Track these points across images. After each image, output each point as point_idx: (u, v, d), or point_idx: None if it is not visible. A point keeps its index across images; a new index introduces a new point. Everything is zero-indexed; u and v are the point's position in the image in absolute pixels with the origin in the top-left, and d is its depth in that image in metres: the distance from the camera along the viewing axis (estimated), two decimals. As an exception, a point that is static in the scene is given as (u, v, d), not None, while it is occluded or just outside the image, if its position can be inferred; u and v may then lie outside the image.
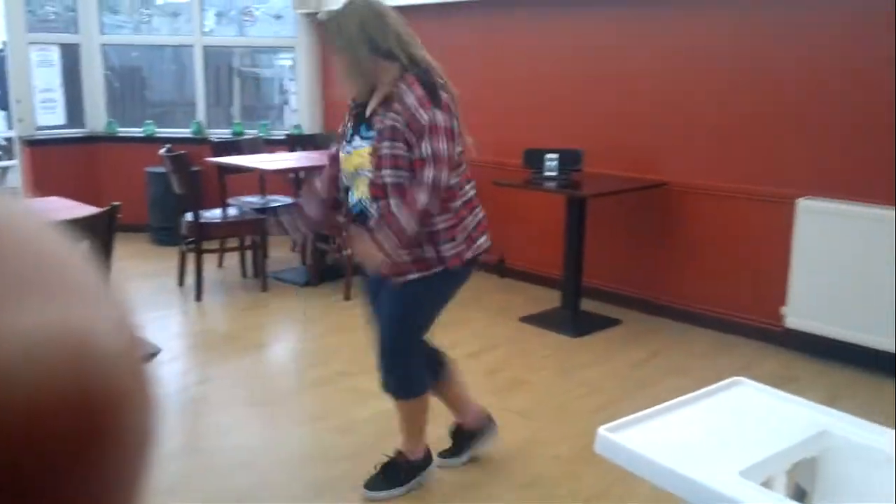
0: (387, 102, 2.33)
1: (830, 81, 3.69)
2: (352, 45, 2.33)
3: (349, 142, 2.44)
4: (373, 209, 2.37)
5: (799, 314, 3.81)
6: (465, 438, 2.81)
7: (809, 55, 3.75)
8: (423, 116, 2.28)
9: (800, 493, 1.63)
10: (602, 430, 1.57)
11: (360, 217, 2.43)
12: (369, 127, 2.38)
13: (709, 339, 4.12)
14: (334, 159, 2.60)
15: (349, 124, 2.50)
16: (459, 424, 2.81)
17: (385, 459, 2.65)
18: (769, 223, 3.94)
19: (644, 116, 4.42)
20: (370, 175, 2.35)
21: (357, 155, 2.40)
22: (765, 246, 3.98)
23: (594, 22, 4.57)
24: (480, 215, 2.57)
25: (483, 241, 2.54)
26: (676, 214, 4.34)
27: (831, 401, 3.27)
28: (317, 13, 6.21)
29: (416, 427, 2.64)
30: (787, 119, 3.86)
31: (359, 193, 2.42)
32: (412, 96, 2.29)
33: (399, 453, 2.64)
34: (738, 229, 4.09)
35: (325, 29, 2.45)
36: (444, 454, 2.81)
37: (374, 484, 2.61)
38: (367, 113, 2.41)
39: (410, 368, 2.59)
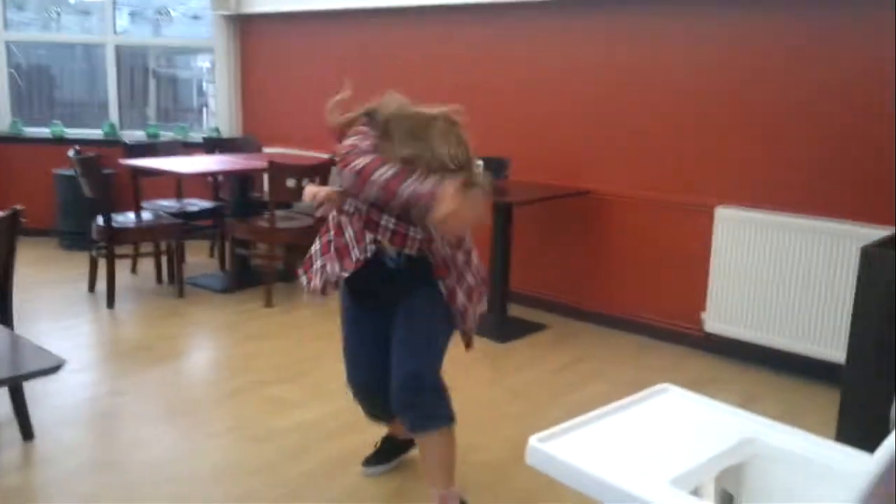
0: None
1: (746, 92, 3.79)
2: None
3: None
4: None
5: (718, 319, 3.90)
6: (396, 448, 2.78)
7: (726, 66, 3.85)
8: None
9: (727, 499, 1.64)
10: (533, 441, 1.53)
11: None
12: None
13: (632, 343, 4.18)
14: None
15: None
16: (393, 435, 2.76)
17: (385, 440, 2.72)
18: (689, 230, 4.03)
19: (568, 126, 4.45)
20: None
21: None
22: (685, 253, 4.06)
23: (519, 32, 4.58)
24: None
25: None
26: (600, 222, 4.39)
27: (749, 401, 3.37)
28: (235, 14, 6.07)
29: (453, 459, 2.45)
30: (706, 129, 3.95)
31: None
32: None
33: (444, 497, 2.41)
34: (660, 236, 4.16)
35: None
36: (370, 462, 2.76)
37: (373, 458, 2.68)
38: None
39: (444, 390, 2.42)
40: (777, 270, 3.67)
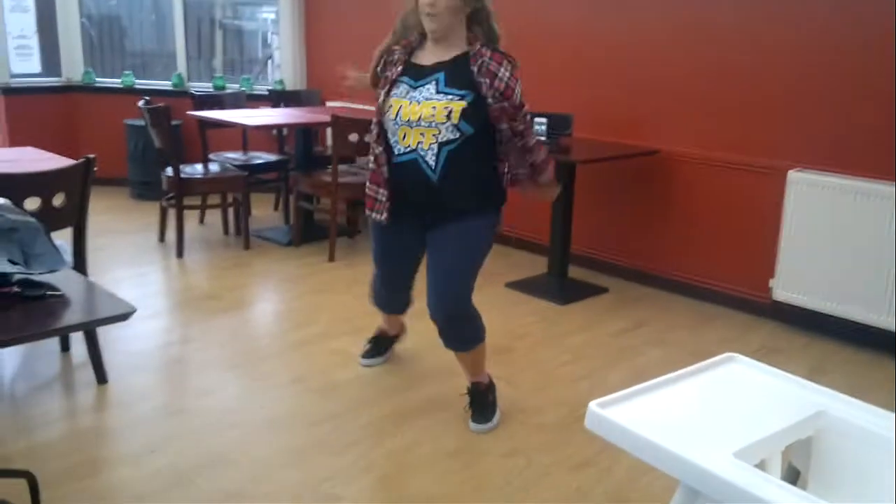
0: (480, 65, 2.49)
1: (823, 53, 3.62)
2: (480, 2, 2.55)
3: (414, 88, 2.52)
4: (430, 157, 2.50)
5: (787, 287, 3.79)
6: (388, 341, 3.27)
7: (803, 26, 3.67)
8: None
9: (793, 474, 1.61)
10: (593, 406, 1.52)
11: (409, 166, 2.53)
12: (450, 82, 2.48)
13: (696, 309, 4.11)
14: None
15: (399, 69, 2.57)
16: (385, 332, 3.25)
17: (468, 398, 2.83)
18: (760, 194, 3.90)
19: (635, 84, 4.33)
20: (442, 128, 2.47)
21: (429, 106, 2.47)
22: (755, 217, 3.94)
23: (589, -18, 4.45)
24: None
25: None
26: (666, 183, 4.29)
27: (817, 373, 3.30)
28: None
29: (483, 360, 2.83)
30: (779, 90, 3.79)
31: (414, 142, 2.50)
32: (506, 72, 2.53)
33: (476, 384, 2.83)
34: (729, 200, 4.05)
35: None
36: (367, 355, 3.25)
37: (479, 417, 2.77)
38: (438, 64, 2.54)
39: (477, 314, 2.74)
40: (850, 238, 3.54)
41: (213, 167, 5.01)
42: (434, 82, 2.50)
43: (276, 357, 3.37)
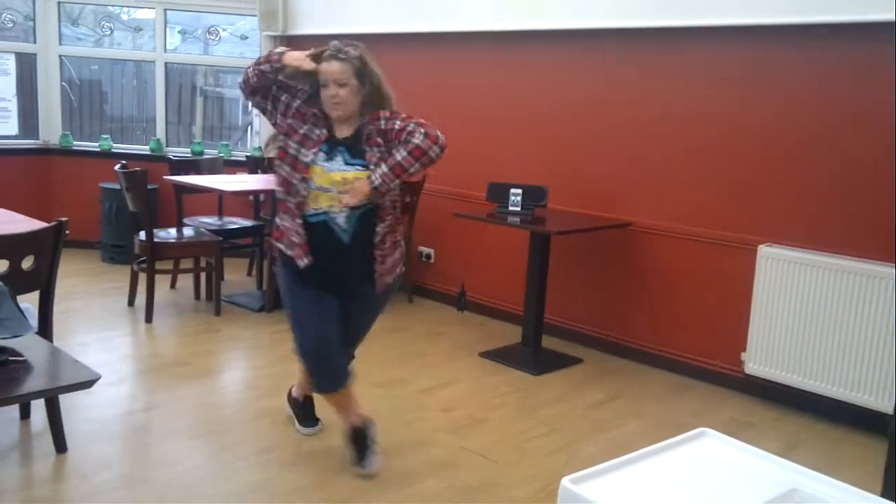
0: (367, 135, 2.77)
1: (796, 132, 3.73)
2: (373, 82, 2.77)
3: (330, 159, 2.73)
4: (340, 219, 2.73)
5: (758, 361, 3.80)
6: (312, 405, 3.27)
7: (777, 107, 3.79)
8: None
9: (767, 553, 1.58)
10: (566, 482, 1.49)
11: (322, 228, 2.73)
12: (353, 155, 2.74)
13: (669, 382, 4.10)
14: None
15: (319, 138, 2.76)
16: (309, 395, 3.24)
17: (351, 436, 2.93)
18: (731, 268, 3.95)
19: (610, 157, 4.42)
20: (346, 196, 2.70)
21: (339, 175, 2.70)
22: (727, 291, 3.98)
23: (564, 61, 4.57)
24: None
25: None
26: (640, 255, 4.34)
27: (789, 448, 3.28)
28: (282, 35, 6.16)
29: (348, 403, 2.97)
30: (751, 166, 3.88)
31: (327, 204, 2.71)
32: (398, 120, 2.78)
33: (354, 427, 2.94)
34: (701, 273, 4.09)
35: (353, 60, 2.75)
36: (308, 424, 3.24)
37: (368, 454, 2.89)
38: (343, 139, 2.79)
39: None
40: (822, 313, 3.57)
41: (188, 231, 4.99)
42: (340, 156, 2.74)
43: (243, 426, 3.29)
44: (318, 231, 2.74)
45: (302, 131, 2.76)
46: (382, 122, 2.76)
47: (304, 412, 3.25)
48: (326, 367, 2.87)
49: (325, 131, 2.76)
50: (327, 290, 2.82)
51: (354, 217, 2.72)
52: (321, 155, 2.73)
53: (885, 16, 3.30)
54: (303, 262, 2.75)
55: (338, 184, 2.68)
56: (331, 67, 2.72)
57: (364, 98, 2.76)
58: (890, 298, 3.36)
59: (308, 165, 2.71)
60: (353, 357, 3.07)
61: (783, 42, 3.73)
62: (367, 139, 2.75)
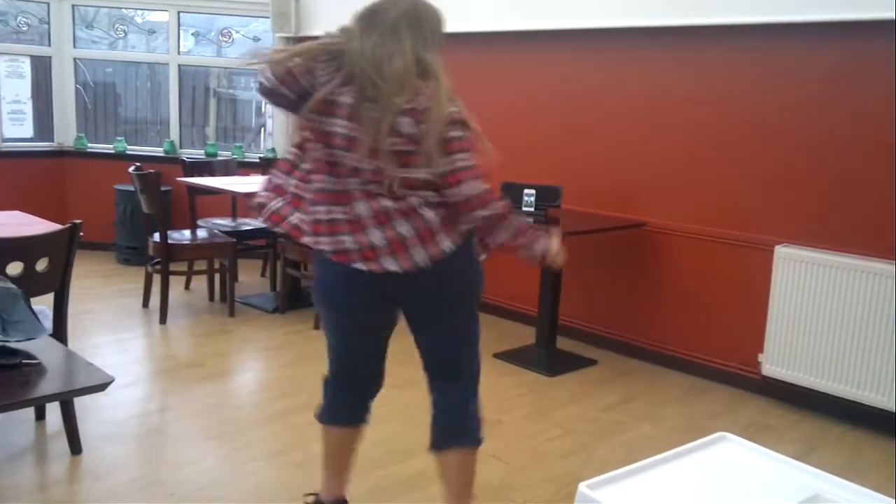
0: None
1: (811, 131, 3.68)
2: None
3: None
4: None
5: (776, 362, 3.76)
6: None
7: (791, 105, 3.75)
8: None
9: (787, 560, 1.55)
10: (583, 487, 1.47)
11: None
12: None
13: (684, 383, 4.06)
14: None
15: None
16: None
17: None
18: (748, 269, 3.91)
19: (625, 157, 4.39)
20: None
21: None
22: (743, 292, 3.94)
23: (579, 61, 4.55)
24: None
25: None
26: (655, 256, 4.30)
27: (808, 451, 3.24)
28: (295, 36, 6.16)
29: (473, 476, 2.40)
30: (767, 166, 3.84)
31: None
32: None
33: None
34: (718, 274, 4.05)
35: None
36: None
37: None
38: None
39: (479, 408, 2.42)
40: (840, 314, 3.53)
41: (201, 233, 5.00)
42: None
43: (257, 427, 3.29)
44: None
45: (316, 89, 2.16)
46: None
47: None
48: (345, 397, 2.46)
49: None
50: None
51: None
52: None
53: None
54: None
55: None
56: None
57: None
58: (910, 299, 3.32)
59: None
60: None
61: (801, 39, 3.69)
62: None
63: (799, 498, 1.50)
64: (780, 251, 3.72)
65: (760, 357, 3.83)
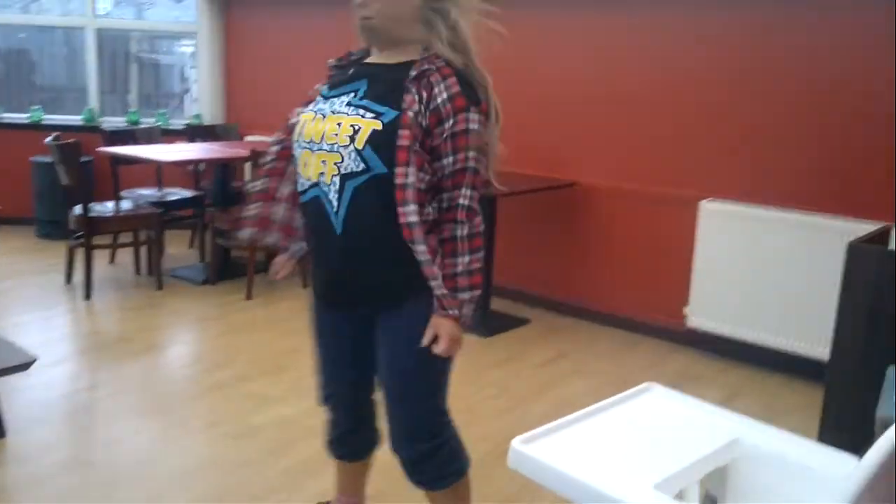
0: (416, 79, 1.74)
1: (733, 85, 3.77)
2: None
3: (326, 99, 1.82)
4: (332, 194, 1.75)
5: (701, 314, 3.88)
6: None
7: (714, 59, 3.82)
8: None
9: (710, 501, 1.62)
10: (515, 443, 1.50)
11: (313, 207, 1.81)
12: (372, 95, 1.76)
13: (615, 338, 4.16)
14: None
15: (327, 84, 1.89)
16: None
17: None
18: (674, 225, 4.00)
19: (553, 117, 4.42)
20: (342, 151, 1.73)
21: (333, 122, 1.76)
22: (670, 247, 4.04)
23: (510, 23, 4.52)
24: None
25: None
26: (584, 214, 4.36)
27: (732, 398, 3.37)
28: (219, -1, 5.98)
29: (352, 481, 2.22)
30: (691, 122, 3.92)
31: (316, 171, 1.77)
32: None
33: None
34: (644, 230, 4.14)
35: None
36: None
37: None
38: (372, 66, 1.84)
39: (454, 435, 2.03)
40: (762, 266, 3.65)
41: (125, 204, 4.85)
42: (353, 92, 1.79)
43: (190, 402, 3.24)
44: (311, 215, 1.85)
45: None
46: (439, 76, 1.75)
47: None
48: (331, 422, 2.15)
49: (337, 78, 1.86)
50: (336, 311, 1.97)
51: (349, 191, 1.75)
52: (317, 99, 1.85)
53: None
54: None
55: (328, 135, 1.75)
56: None
57: (420, 16, 1.81)
58: (822, 248, 3.44)
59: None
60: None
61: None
62: (418, 78, 1.75)
63: (721, 443, 1.56)
64: (705, 206, 3.82)
65: (686, 310, 3.94)
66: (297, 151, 1.85)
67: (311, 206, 1.82)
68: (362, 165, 1.72)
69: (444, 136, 1.76)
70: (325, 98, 1.84)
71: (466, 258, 1.78)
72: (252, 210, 2.02)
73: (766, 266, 3.64)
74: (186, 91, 6.99)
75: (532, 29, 4.43)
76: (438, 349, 1.77)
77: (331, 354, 2.04)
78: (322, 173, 1.77)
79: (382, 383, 1.95)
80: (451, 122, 1.75)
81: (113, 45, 6.53)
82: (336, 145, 1.74)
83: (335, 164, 1.75)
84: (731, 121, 3.79)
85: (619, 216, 4.23)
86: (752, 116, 3.73)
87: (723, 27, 3.77)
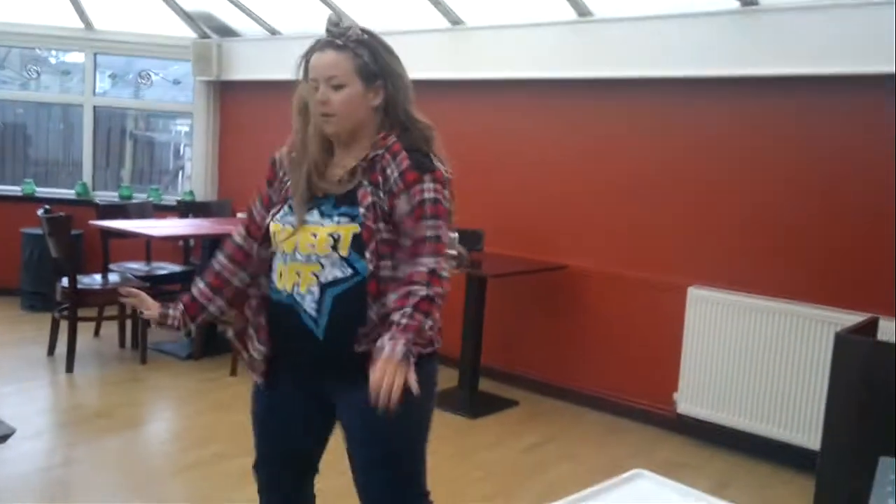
0: (368, 169, 1.77)
1: (722, 175, 3.85)
2: (384, 74, 1.86)
3: (292, 212, 1.81)
4: (308, 304, 1.74)
5: (690, 400, 3.86)
6: None
7: (703, 149, 3.91)
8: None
9: None
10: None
11: (285, 311, 1.78)
12: (337, 201, 1.77)
13: (603, 423, 4.11)
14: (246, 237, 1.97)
15: (288, 187, 1.87)
16: None
17: None
18: (663, 310, 4.02)
19: (545, 200, 4.48)
20: (325, 262, 1.73)
21: (307, 233, 1.75)
22: (659, 332, 4.04)
23: (501, 105, 4.65)
24: None
25: None
26: (574, 298, 4.38)
27: (722, 487, 3.31)
28: (216, 80, 6.11)
29: None
30: (679, 211, 3.99)
31: (290, 283, 1.76)
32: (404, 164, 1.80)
33: None
34: (634, 315, 4.15)
35: (355, 47, 1.80)
36: None
37: None
38: (336, 178, 1.81)
39: None
40: (751, 353, 3.66)
41: (113, 277, 4.83)
42: (323, 204, 1.79)
43: (168, 479, 3.15)
44: (283, 319, 1.80)
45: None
46: (383, 151, 1.80)
47: None
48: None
49: (296, 181, 1.84)
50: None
51: (329, 299, 1.74)
52: (284, 208, 1.84)
53: (784, 70, 3.47)
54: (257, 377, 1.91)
55: (304, 247, 1.75)
56: (320, 59, 1.79)
57: (380, 107, 1.86)
58: (810, 338, 3.46)
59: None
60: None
61: (708, 91, 3.87)
62: (373, 170, 1.78)
63: (712, 531, 1.53)
64: (693, 292, 3.84)
65: (675, 396, 3.92)
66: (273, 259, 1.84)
67: (282, 309, 1.80)
68: (350, 271, 1.73)
69: (403, 211, 1.77)
70: (292, 209, 1.81)
71: (418, 314, 1.66)
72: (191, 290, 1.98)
73: (754, 353, 3.64)
74: (181, 168, 7.07)
75: (525, 114, 4.54)
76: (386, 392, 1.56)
77: (276, 430, 1.97)
78: (297, 284, 1.76)
79: (355, 471, 1.89)
80: (406, 196, 1.77)
81: (109, 122, 6.63)
82: (313, 256, 1.74)
83: (313, 273, 1.75)
84: (719, 209, 3.86)
85: (608, 300, 4.25)
86: (741, 206, 3.79)
87: (713, 118, 3.88)
